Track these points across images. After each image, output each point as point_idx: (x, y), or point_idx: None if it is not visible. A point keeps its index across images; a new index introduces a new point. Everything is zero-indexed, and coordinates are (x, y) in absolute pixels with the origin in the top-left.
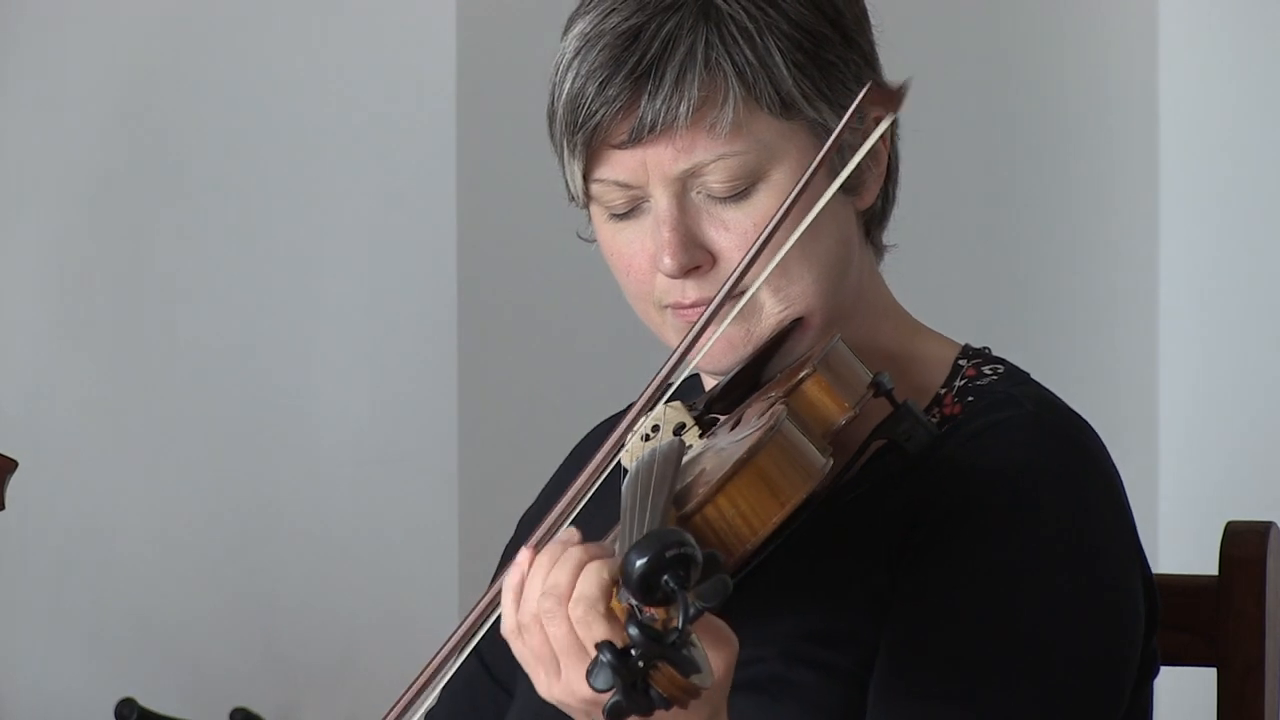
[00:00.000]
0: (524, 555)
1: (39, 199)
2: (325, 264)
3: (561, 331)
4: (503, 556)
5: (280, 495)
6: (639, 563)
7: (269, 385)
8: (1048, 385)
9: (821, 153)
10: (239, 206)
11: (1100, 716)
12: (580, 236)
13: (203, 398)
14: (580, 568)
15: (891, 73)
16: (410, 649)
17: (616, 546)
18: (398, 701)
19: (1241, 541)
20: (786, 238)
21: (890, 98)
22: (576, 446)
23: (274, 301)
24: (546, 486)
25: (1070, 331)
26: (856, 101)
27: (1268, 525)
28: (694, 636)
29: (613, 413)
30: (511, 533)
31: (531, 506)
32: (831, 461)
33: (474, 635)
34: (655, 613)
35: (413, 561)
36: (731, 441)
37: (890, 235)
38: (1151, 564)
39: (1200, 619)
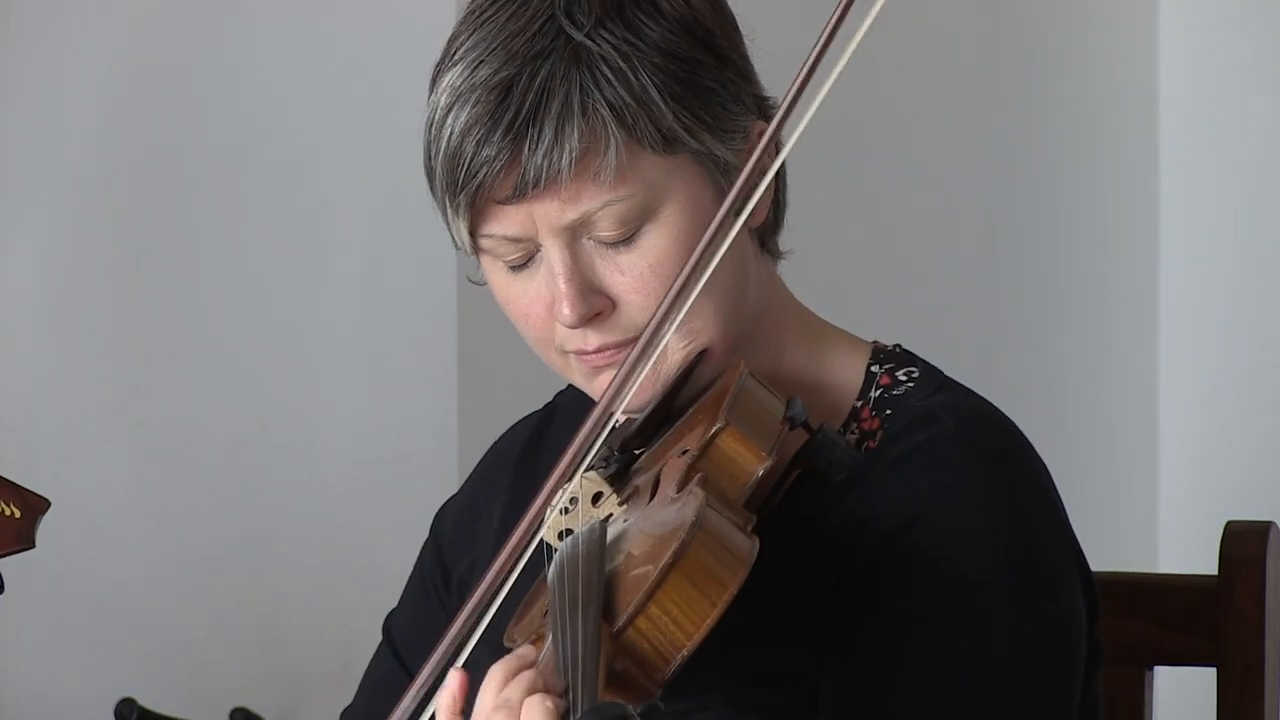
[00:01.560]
0: (453, 677)
1: (38, 201)
2: (325, 264)
3: None
4: (420, 556)
5: (280, 495)
6: None
7: (269, 385)
8: (1048, 387)
9: (717, 219)
10: (239, 208)
11: None
12: (471, 280)
13: (203, 398)
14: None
15: (890, 71)
16: None
17: (549, 646)
18: None
19: (1241, 541)
20: (691, 283)
21: None
22: (494, 448)
23: (274, 302)
24: (466, 484)
25: (1070, 332)
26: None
27: (1268, 525)
28: None
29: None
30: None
31: (452, 499)
32: (758, 542)
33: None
34: None
35: (413, 563)
36: (658, 517)
37: (890, 236)
38: (1151, 564)
39: (1200, 619)
